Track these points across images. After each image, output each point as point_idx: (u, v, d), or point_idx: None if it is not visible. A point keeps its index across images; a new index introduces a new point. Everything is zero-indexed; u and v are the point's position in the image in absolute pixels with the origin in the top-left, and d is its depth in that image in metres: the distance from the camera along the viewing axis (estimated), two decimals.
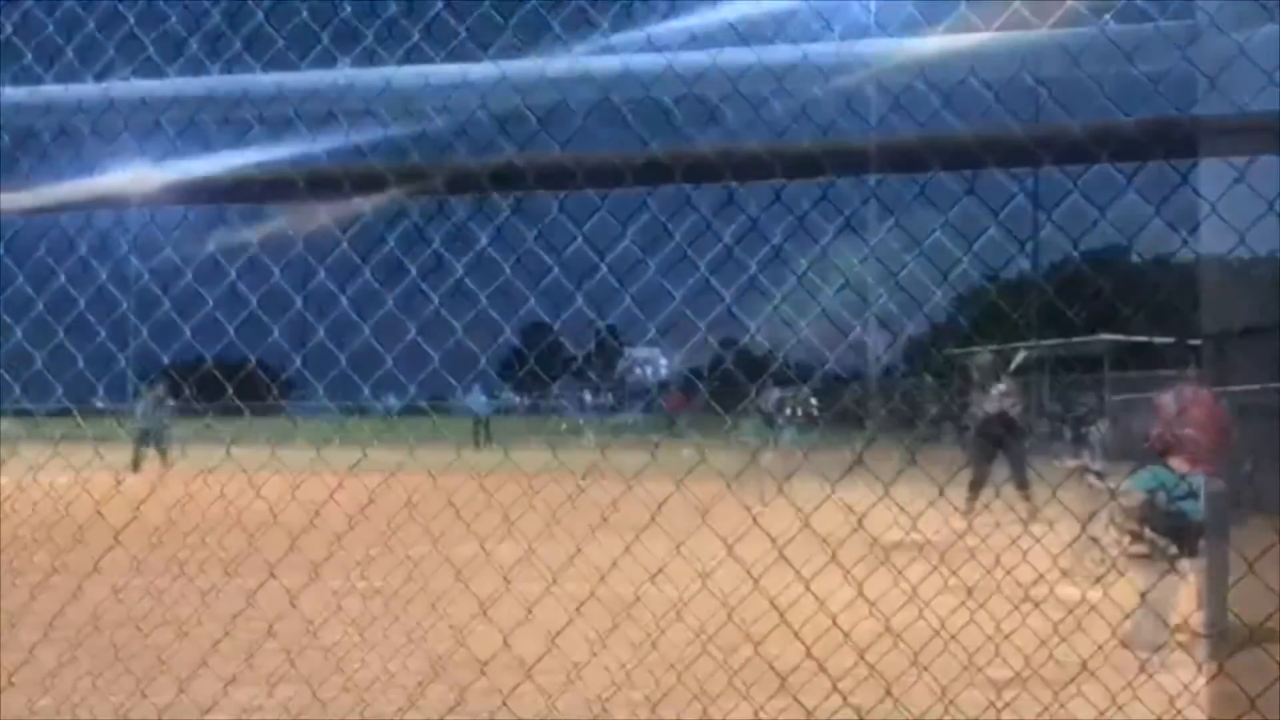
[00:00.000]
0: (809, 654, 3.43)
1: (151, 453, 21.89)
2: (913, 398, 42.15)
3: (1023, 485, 12.70)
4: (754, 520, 3.60)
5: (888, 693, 3.21)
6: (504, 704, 5.25)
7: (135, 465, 21.17)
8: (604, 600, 3.69)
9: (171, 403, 22.44)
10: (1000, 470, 13.18)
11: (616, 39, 2.61)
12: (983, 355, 14.00)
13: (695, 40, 2.33)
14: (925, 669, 3.31)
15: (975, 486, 12.64)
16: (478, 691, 5.74)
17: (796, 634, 3.50)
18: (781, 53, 2.20)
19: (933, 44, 2.13)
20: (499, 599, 4.26)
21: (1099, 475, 11.79)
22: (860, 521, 3.16)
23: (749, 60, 2.20)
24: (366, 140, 3.11)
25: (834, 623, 3.27)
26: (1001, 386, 13.43)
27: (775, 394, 38.68)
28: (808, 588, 3.21)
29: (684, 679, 3.78)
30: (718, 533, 3.49)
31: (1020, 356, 13.72)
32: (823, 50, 2.16)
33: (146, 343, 3.78)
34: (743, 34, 2.42)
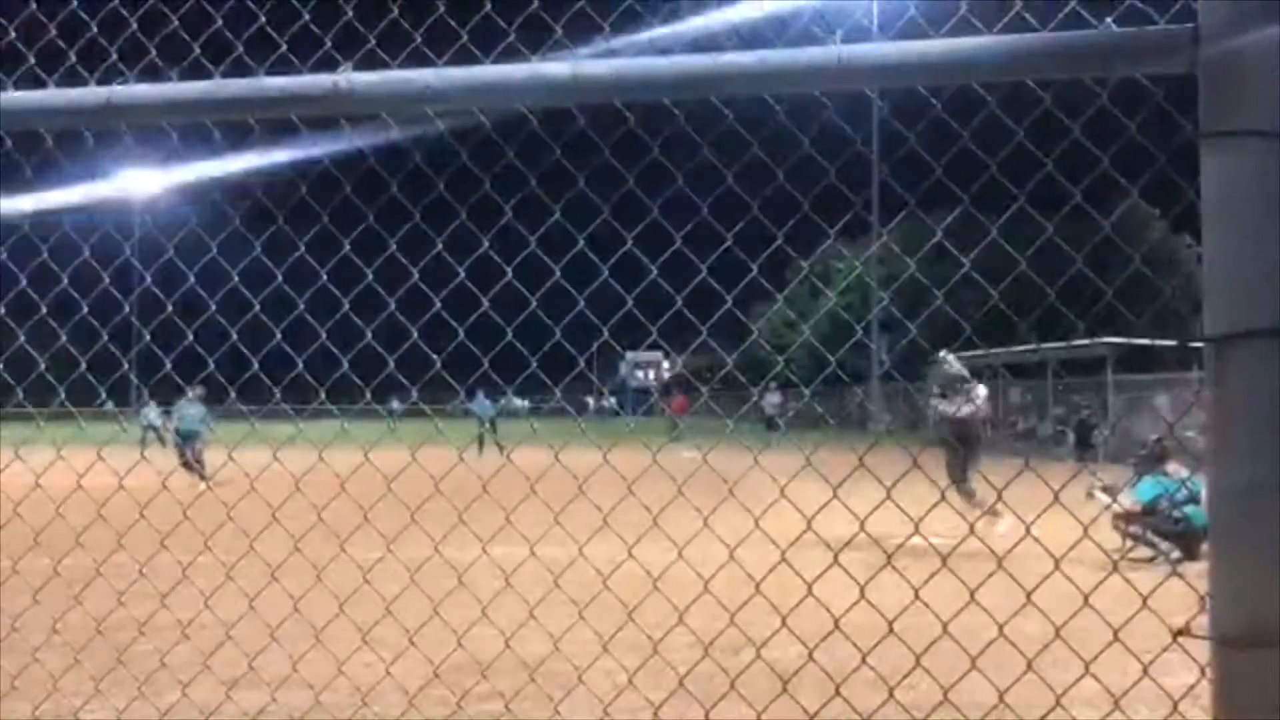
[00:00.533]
0: (811, 657, 3.44)
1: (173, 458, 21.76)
2: (914, 401, 42.19)
3: (964, 482, 12.91)
4: (756, 524, 3.60)
5: (890, 694, 3.21)
6: (507, 707, 5.25)
7: (188, 467, 21.03)
8: (606, 603, 3.69)
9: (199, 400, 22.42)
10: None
11: (617, 42, 2.62)
12: (940, 363, 14.35)
13: (696, 44, 2.34)
14: (928, 671, 3.31)
15: (958, 488, 12.86)
16: (479, 695, 5.74)
17: (799, 637, 3.51)
18: (782, 56, 2.20)
19: (934, 47, 2.13)
20: (501, 602, 4.26)
21: (1106, 489, 11.88)
22: (863, 525, 3.16)
23: (750, 63, 2.20)
24: (369, 143, 3.12)
25: (836, 625, 3.26)
26: (981, 391, 13.92)
27: (777, 397, 38.77)
28: (810, 591, 3.21)
29: (686, 682, 3.78)
30: (719, 535, 3.49)
31: (961, 363, 14.20)
32: (824, 53, 2.16)
33: (158, 349, 3.79)
34: (745, 37, 2.42)
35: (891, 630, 3.11)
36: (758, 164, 2.80)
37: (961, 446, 13.31)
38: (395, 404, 24.54)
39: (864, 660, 3.28)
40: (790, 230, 3.01)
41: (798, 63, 2.18)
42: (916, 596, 3.15)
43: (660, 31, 2.61)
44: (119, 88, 2.45)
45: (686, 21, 2.71)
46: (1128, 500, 11.62)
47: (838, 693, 3.23)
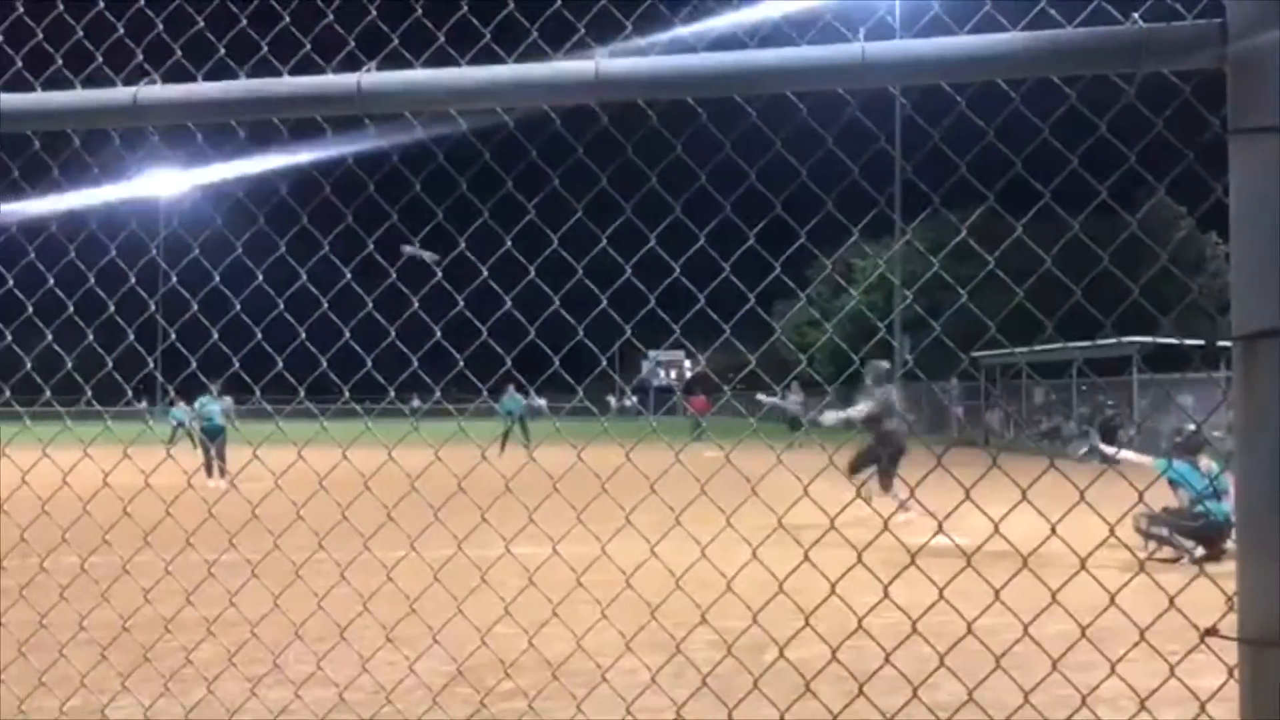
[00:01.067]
0: (834, 657, 3.43)
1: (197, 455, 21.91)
2: (936, 400, 42.01)
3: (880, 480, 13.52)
4: (779, 523, 3.59)
5: (914, 694, 3.20)
6: (530, 706, 5.26)
7: (209, 470, 21.29)
8: (629, 602, 3.69)
9: (227, 403, 22.64)
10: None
11: (639, 41, 2.61)
12: (874, 362, 15.33)
13: (719, 42, 2.33)
14: (952, 671, 3.30)
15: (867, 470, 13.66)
16: (502, 693, 5.75)
17: (822, 636, 3.50)
18: (807, 53, 2.19)
19: (959, 44, 2.12)
20: (523, 600, 4.26)
21: (1104, 449, 11.99)
22: (886, 524, 3.15)
23: (774, 60, 2.19)
24: (391, 143, 3.12)
25: (859, 625, 3.25)
26: (875, 393, 14.76)
27: (800, 396, 38.69)
28: (833, 590, 3.20)
29: (708, 681, 3.78)
30: (742, 534, 3.49)
31: (882, 366, 15.41)
32: (848, 50, 2.15)
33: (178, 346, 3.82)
34: (765, 35, 2.42)
35: (915, 630, 3.10)
36: (780, 162, 2.80)
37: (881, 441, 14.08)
38: (416, 402, 24.65)
39: (887, 660, 3.27)
40: (813, 228, 3.00)
41: (822, 60, 2.17)
42: (941, 596, 3.14)
43: (681, 31, 2.61)
44: (145, 88, 2.47)
45: (706, 21, 2.71)
46: (1137, 457, 11.75)
47: (861, 693, 3.22)
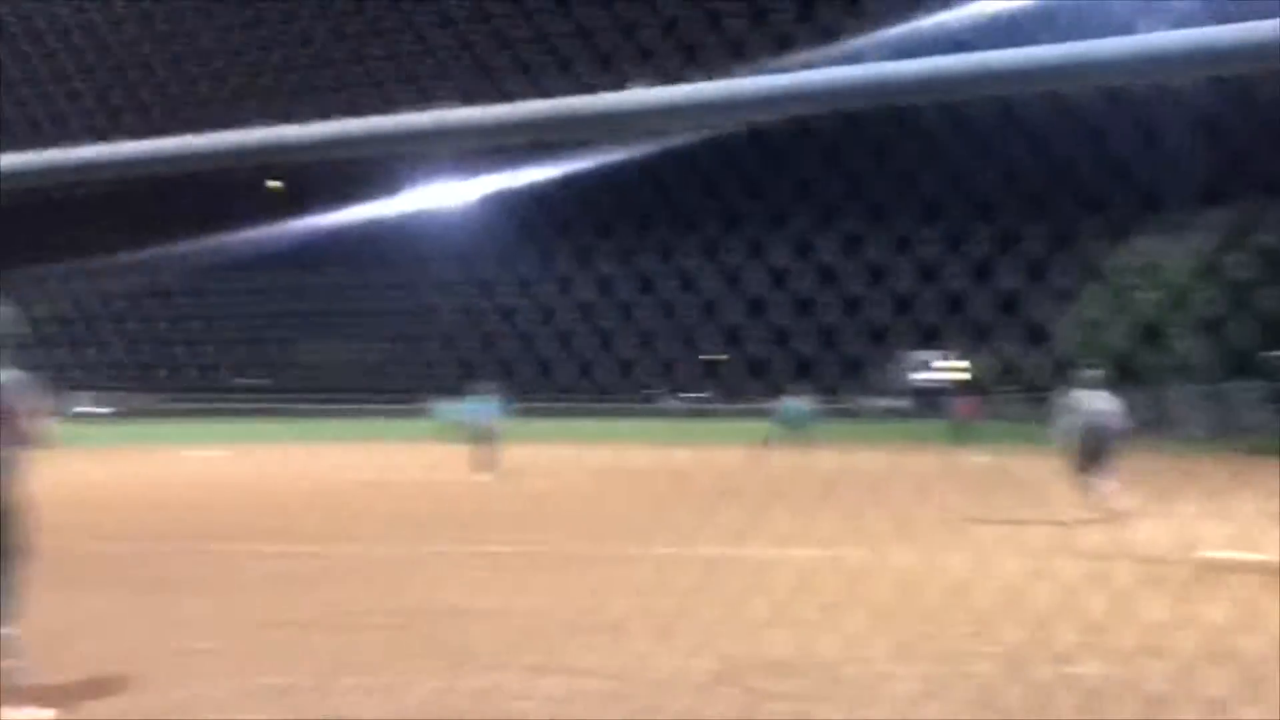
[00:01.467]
0: (1121, 677, 3.27)
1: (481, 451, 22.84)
2: (1230, 404, 38.98)
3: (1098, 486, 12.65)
4: (1064, 536, 3.46)
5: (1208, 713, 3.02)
6: (799, 710, 5.25)
7: (483, 466, 22.10)
8: (905, 608, 3.64)
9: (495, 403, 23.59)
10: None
11: (864, 41, 2.58)
12: (1087, 371, 14.46)
13: (950, 43, 2.27)
14: (1254, 698, 3.09)
15: (1080, 475, 12.91)
16: (771, 694, 5.77)
17: (1108, 654, 3.35)
18: (1083, 48, 2.10)
19: (1224, 34, 1.98)
20: (795, 602, 4.28)
21: None
22: (1185, 537, 2.98)
23: (1057, 56, 2.11)
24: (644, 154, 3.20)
25: (1144, 643, 3.09)
26: (1101, 403, 13.84)
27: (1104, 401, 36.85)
28: (1119, 608, 3.06)
29: (985, 696, 3.68)
30: (1025, 543, 3.38)
31: (1100, 374, 14.32)
32: (1129, 43, 2.05)
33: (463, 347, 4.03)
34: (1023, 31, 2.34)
35: (1209, 652, 2.92)
36: (1063, 159, 2.70)
37: (1098, 451, 13.30)
38: (675, 400, 24.87)
39: (1168, 680, 3.10)
40: (1100, 224, 2.88)
41: (1116, 53, 2.07)
42: (1241, 616, 2.94)
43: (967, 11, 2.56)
44: (412, 115, 2.62)
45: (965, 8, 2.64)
46: None
47: (1146, 716, 3.06)
